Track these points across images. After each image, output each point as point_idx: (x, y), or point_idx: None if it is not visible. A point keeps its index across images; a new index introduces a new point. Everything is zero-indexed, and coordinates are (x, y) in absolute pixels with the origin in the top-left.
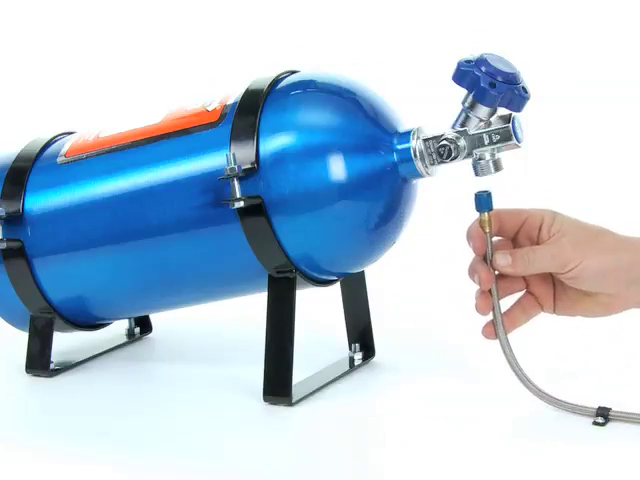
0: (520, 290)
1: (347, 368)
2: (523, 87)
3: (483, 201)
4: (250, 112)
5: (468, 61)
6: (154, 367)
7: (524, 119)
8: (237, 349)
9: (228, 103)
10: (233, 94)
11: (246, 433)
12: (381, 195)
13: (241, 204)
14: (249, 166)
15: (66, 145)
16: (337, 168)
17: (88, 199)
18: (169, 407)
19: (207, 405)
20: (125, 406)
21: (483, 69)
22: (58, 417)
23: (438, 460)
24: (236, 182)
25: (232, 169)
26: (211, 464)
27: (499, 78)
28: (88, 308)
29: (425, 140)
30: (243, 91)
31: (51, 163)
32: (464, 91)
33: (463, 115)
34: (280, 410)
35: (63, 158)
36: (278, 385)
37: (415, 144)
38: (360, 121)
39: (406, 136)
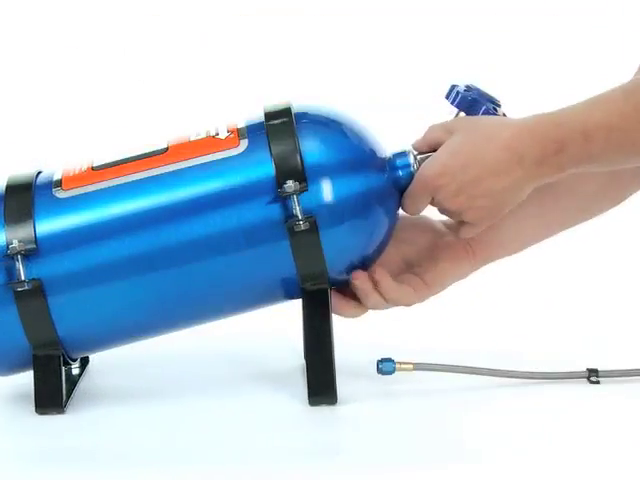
0: None
1: None
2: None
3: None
4: (285, 129)
5: (468, 88)
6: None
7: None
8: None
9: (240, 127)
10: (237, 121)
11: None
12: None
13: (307, 225)
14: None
15: (55, 178)
16: (368, 181)
17: (114, 230)
18: (209, 419)
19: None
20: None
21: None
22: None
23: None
24: (296, 199)
25: (290, 187)
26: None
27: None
28: (97, 343)
29: (422, 159)
30: (262, 114)
31: (49, 197)
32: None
33: None
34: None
35: (62, 191)
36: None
37: (413, 160)
38: (374, 145)
39: (403, 155)
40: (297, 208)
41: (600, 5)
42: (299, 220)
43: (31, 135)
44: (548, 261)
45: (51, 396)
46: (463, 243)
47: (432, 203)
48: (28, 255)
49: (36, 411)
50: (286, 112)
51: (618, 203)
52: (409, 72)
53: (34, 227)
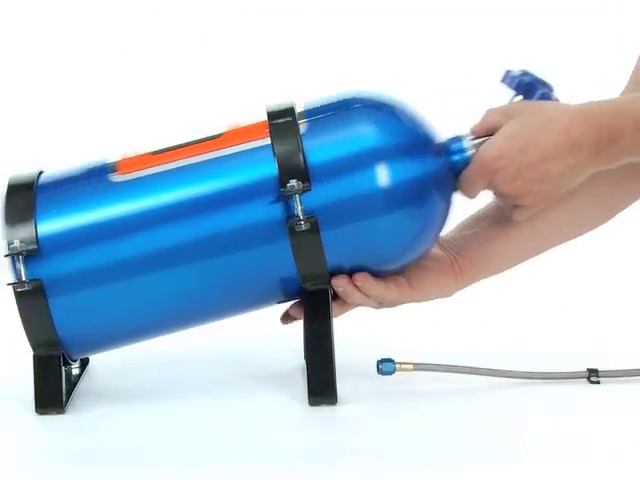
0: None
1: None
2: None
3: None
4: (288, 128)
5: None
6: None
7: None
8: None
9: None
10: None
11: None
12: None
13: (308, 226)
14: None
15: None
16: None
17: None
18: (211, 423)
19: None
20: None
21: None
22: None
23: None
24: (298, 199)
25: (293, 186)
26: None
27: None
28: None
29: (477, 143)
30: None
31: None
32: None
33: None
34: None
35: (118, 176)
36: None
37: (468, 145)
38: (430, 130)
39: (458, 140)
40: (298, 208)
41: (600, 5)
42: (300, 220)
43: (31, 135)
44: (548, 262)
45: (51, 396)
46: (451, 259)
47: (488, 187)
48: (29, 255)
49: (36, 411)
50: (289, 111)
51: (608, 220)
52: (409, 71)
53: (35, 227)
